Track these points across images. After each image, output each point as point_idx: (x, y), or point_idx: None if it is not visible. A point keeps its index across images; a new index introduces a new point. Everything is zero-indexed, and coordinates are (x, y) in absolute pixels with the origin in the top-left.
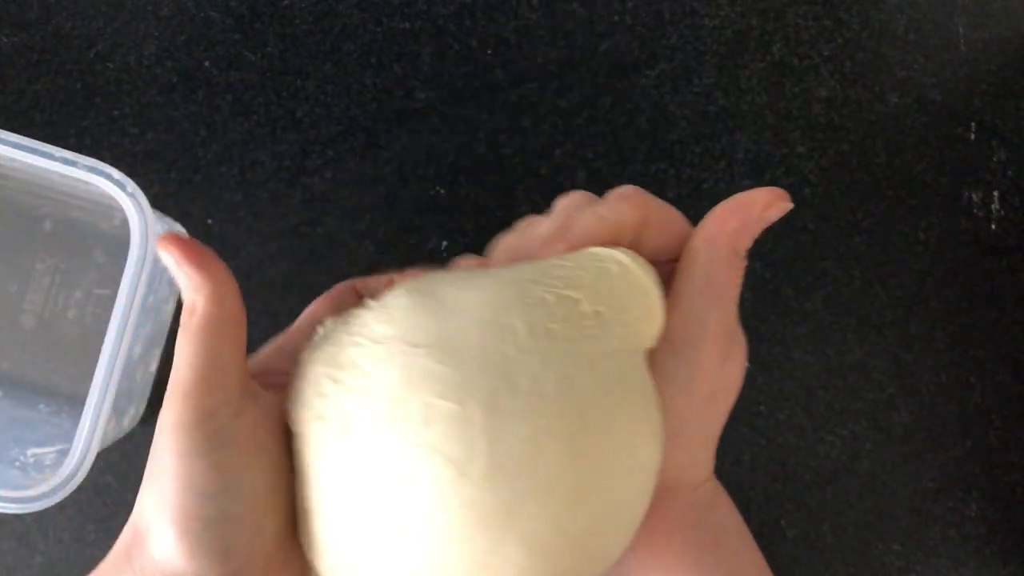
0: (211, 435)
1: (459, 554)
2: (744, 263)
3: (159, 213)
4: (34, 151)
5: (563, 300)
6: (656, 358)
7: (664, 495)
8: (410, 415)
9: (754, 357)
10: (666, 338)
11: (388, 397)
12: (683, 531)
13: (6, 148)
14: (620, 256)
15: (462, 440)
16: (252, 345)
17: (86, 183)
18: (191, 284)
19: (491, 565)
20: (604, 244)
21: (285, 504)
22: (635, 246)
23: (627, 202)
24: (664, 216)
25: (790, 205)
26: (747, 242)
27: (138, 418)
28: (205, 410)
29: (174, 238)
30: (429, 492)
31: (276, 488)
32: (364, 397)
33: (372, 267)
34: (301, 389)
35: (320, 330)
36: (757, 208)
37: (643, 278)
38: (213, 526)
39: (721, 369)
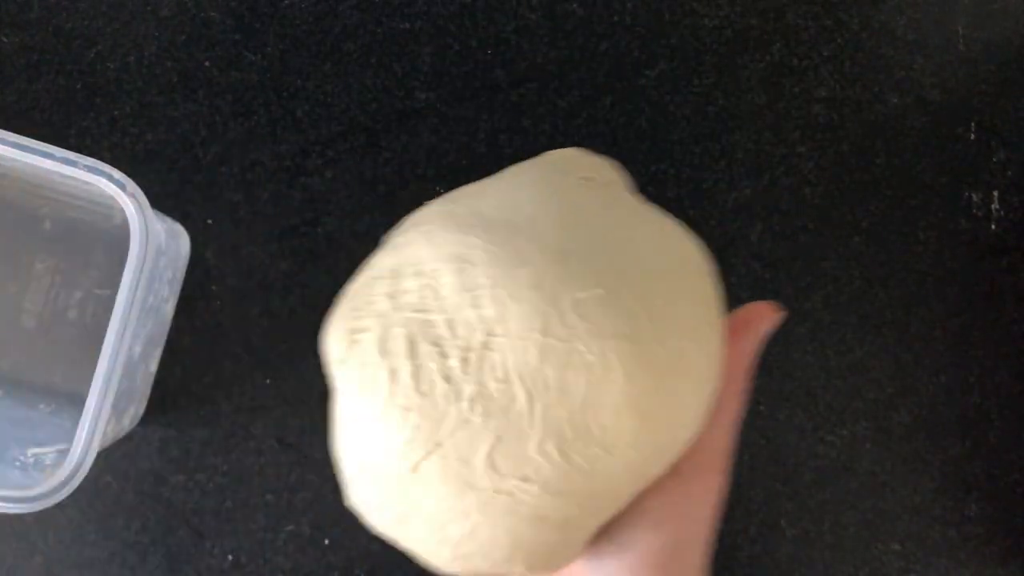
0: None
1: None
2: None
3: (159, 213)
4: (34, 151)
5: (582, 182)
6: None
7: None
8: (565, 317)
9: None
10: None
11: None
12: None
13: (6, 148)
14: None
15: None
16: (251, 350)
17: (86, 183)
18: None
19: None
20: None
21: None
22: None
23: None
24: None
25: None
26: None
27: (138, 418)
28: None
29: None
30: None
31: None
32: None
33: None
34: None
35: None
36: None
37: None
38: None
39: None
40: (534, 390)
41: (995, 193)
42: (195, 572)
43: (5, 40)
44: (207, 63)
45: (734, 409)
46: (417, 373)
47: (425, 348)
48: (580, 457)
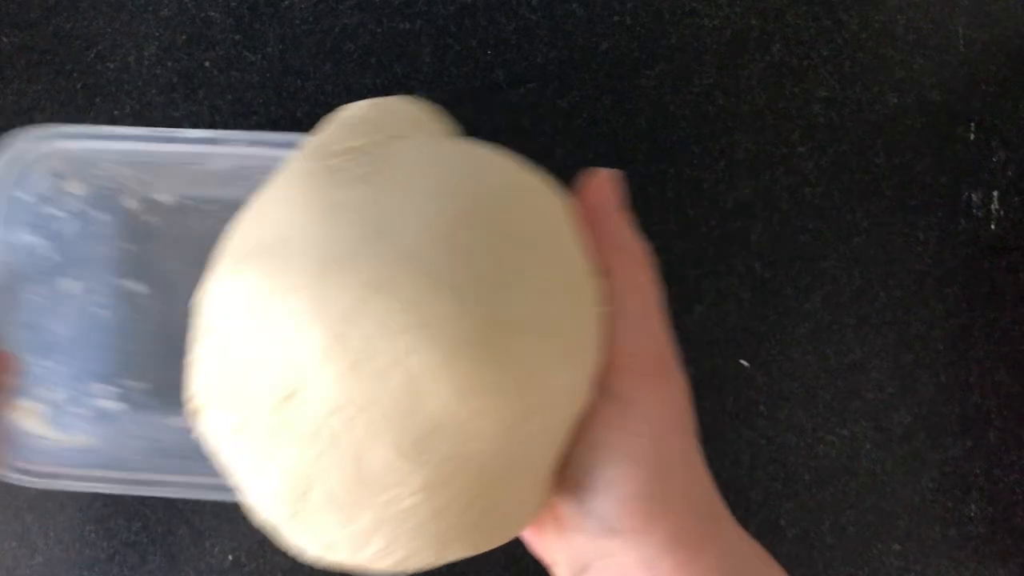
0: None
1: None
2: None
3: None
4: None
5: (348, 151)
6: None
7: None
8: (357, 328)
9: (754, 357)
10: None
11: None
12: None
13: (271, 150)
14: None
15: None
16: None
17: None
18: None
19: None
20: None
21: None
22: None
23: None
24: None
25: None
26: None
27: None
28: None
29: None
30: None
31: None
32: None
33: None
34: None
35: None
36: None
37: (394, 100)
38: None
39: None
40: (362, 406)
41: (995, 193)
42: (195, 572)
43: (6, 40)
44: (207, 63)
45: (644, 301)
46: (262, 423)
47: (261, 397)
48: (439, 449)
